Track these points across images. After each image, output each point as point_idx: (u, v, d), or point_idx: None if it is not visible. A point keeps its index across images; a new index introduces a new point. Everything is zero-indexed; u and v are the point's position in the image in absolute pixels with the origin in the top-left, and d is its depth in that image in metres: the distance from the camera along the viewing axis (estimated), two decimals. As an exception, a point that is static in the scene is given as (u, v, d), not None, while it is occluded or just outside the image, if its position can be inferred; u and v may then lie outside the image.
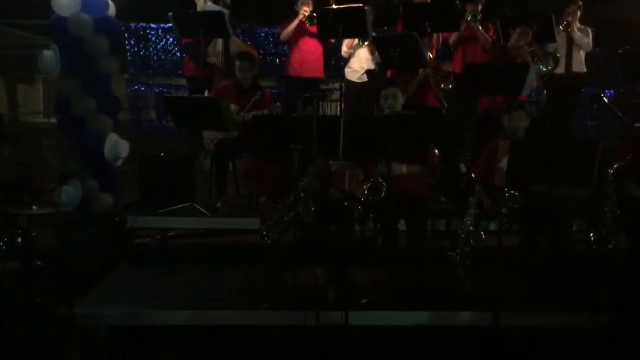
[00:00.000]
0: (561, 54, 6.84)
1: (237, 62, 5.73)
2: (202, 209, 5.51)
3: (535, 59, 6.13)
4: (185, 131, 6.67)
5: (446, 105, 5.93)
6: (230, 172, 5.92)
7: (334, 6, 6.43)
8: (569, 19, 6.97)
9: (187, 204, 5.57)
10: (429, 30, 6.08)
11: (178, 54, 9.79)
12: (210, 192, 5.75)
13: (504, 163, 4.38)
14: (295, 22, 6.94)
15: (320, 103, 7.86)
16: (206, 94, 6.49)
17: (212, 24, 6.15)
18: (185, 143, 6.90)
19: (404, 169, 4.81)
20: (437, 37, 6.71)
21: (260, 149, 4.57)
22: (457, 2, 6.20)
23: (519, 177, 4.23)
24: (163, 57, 10.02)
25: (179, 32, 6.40)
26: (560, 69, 6.83)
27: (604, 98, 6.94)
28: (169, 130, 9.28)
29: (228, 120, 5.25)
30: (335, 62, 7.81)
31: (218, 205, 5.64)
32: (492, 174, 4.58)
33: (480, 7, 6.59)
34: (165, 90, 9.98)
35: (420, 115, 4.61)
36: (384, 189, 4.51)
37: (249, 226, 5.17)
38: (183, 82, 8.51)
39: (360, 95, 7.19)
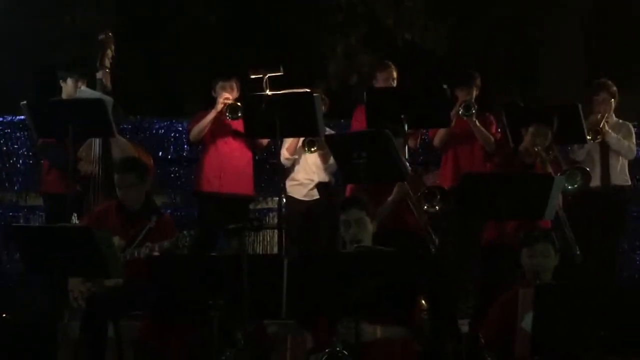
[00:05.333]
0: (594, 160, 7.06)
1: (116, 175, 5.72)
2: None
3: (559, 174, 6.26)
4: (41, 279, 6.45)
5: (436, 239, 5.95)
6: (111, 341, 5.72)
7: (268, 92, 6.55)
8: (599, 113, 7.04)
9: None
10: (405, 125, 6.21)
11: (31, 159, 9.70)
12: (80, 372, 5.57)
13: (527, 322, 4.38)
14: (212, 114, 7.04)
15: (252, 233, 7.84)
16: (75, 220, 6.43)
17: (88, 117, 6.21)
18: (41, 298, 6.66)
19: (378, 332, 4.78)
20: (414, 136, 6.88)
21: (160, 305, 4.53)
22: (446, 86, 6.41)
23: (552, 343, 4.17)
24: (11, 163, 9.93)
25: (37, 130, 6.42)
26: (595, 181, 6.98)
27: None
28: (15, 278, 9.02)
29: (109, 262, 5.14)
30: (272, 169, 7.84)
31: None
32: (511, 340, 4.56)
33: (475, 94, 6.82)
34: (12, 214, 9.82)
35: (403, 251, 4.65)
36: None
37: None
38: (39, 201, 8.40)
39: (309, 219, 7.20)
